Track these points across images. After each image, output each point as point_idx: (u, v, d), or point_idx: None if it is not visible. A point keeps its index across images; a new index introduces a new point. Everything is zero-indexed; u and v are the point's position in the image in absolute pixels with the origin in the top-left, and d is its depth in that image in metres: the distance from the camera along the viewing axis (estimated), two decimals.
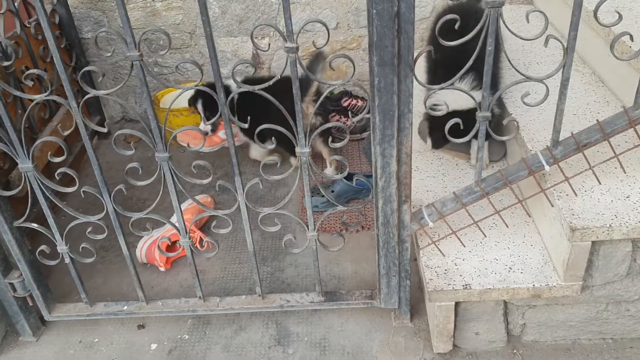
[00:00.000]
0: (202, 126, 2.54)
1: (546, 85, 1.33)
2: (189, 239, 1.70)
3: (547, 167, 1.46)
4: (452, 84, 1.34)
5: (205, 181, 1.57)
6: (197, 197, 2.33)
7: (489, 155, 2.07)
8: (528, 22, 1.29)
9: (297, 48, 1.29)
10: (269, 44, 2.91)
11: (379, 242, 1.64)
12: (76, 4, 2.85)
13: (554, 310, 1.68)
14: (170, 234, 2.11)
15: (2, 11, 2.13)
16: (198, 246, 2.06)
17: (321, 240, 1.67)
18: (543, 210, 1.65)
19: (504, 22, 1.26)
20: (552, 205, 1.55)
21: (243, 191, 1.58)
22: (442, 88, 1.35)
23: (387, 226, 1.59)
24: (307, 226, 1.65)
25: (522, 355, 1.73)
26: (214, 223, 1.68)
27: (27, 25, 2.39)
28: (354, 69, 1.39)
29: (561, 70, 1.32)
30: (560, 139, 1.45)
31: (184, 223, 1.68)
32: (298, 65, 1.31)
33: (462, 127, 1.45)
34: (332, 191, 2.30)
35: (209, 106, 2.50)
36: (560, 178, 1.50)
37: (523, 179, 1.50)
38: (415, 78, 1.32)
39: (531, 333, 1.74)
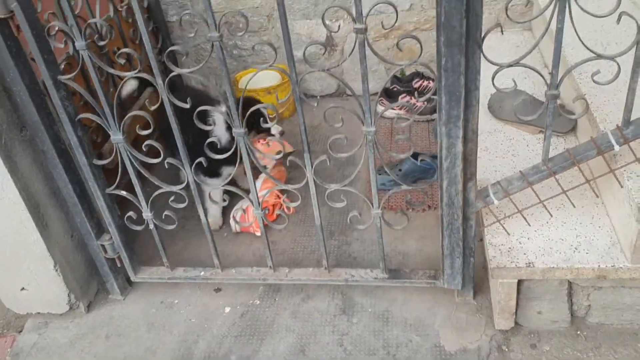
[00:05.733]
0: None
1: (617, 63, 1.30)
2: (262, 210, 1.81)
3: (616, 147, 1.44)
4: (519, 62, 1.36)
5: (277, 156, 1.67)
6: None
7: (556, 127, 2.01)
8: None
9: (366, 29, 1.34)
10: (339, 26, 2.94)
11: (443, 223, 1.66)
12: None
13: (621, 293, 1.66)
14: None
15: None
16: (285, 209, 2.25)
17: (386, 219, 1.72)
18: (612, 192, 1.63)
19: None
20: (622, 186, 1.53)
21: (312, 167, 1.65)
22: (510, 65, 1.37)
23: (451, 207, 1.61)
24: (372, 204, 1.71)
25: (586, 337, 1.73)
26: (285, 195, 1.78)
27: (120, 9, 2.58)
28: (422, 49, 1.42)
29: (634, 47, 1.30)
30: (632, 119, 1.43)
31: (258, 196, 1.78)
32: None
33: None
34: (400, 170, 2.34)
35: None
36: (631, 158, 1.48)
37: (591, 158, 1.49)
38: (484, 55, 1.34)
39: (596, 315, 1.73)
